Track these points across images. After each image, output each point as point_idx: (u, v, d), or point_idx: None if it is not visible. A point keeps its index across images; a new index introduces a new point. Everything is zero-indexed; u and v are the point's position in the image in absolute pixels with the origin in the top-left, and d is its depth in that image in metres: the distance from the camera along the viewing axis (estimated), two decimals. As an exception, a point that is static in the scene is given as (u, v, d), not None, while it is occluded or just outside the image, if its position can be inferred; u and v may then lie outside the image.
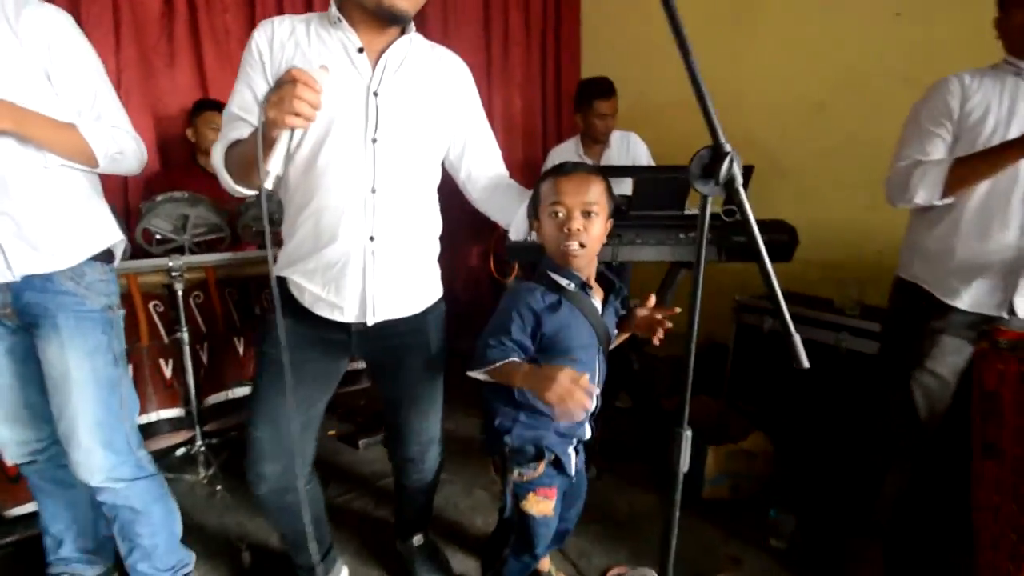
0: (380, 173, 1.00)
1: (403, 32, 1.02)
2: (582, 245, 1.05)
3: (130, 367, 1.51)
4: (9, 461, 1.24)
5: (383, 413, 1.31)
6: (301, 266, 1.05)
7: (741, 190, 0.68)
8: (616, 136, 2.42)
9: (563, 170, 1.09)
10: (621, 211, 1.72)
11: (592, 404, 1.02)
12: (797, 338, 0.73)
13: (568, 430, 1.14)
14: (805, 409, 2.09)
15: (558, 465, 1.14)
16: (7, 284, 1.04)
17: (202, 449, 1.71)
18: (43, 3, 1.02)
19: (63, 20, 1.03)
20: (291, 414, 1.02)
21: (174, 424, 1.61)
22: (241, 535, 1.54)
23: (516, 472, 1.13)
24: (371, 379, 1.33)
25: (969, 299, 1.21)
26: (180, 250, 1.64)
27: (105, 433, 1.13)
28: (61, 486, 1.25)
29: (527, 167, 3.33)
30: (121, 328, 1.20)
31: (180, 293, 1.58)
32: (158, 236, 1.65)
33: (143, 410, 1.52)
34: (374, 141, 0.99)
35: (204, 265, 1.67)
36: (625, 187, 2.04)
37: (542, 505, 1.13)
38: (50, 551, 1.30)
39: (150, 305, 1.63)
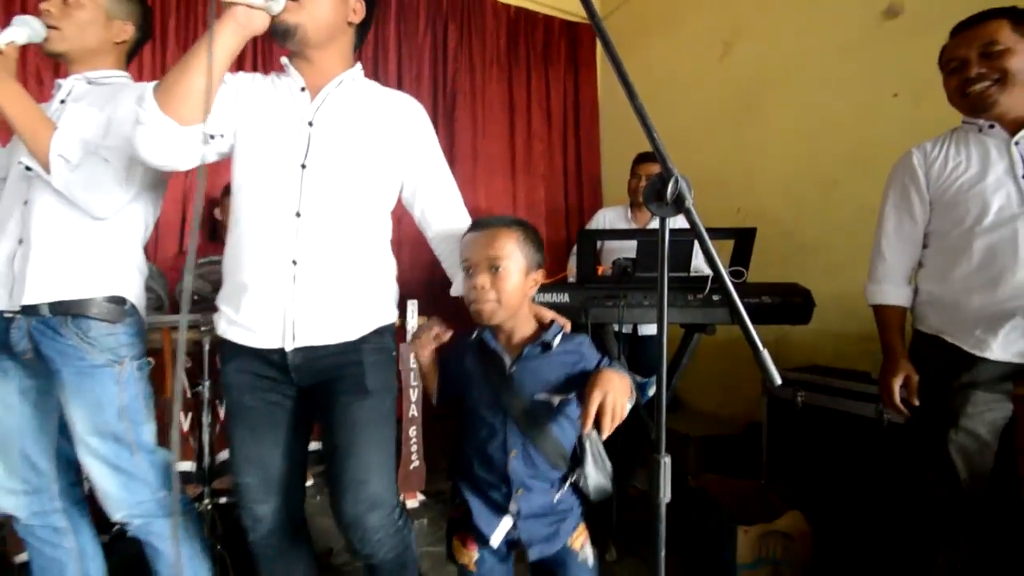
0: (307, 197, 1.03)
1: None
2: (494, 302, 0.99)
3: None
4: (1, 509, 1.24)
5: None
6: (224, 292, 1.08)
7: (692, 209, 0.73)
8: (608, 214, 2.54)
9: (475, 225, 1.07)
10: (627, 274, 1.77)
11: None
12: (765, 353, 0.71)
13: (490, 493, 1.02)
14: (847, 486, 1.89)
15: (469, 518, 1.02)
16: (28, 331, 1.11)
17: (208, 507, 1.69)
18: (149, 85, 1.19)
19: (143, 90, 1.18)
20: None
21: (185, 477, 1.61)
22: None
23: (450, 506, 1.11)
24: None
25: (999, 349, 1.15)
26: (212, 309, 1.76)
27: (120, 477, 1.16)
28: (46, 545, 1.25)
29: (551, 248, 3.47)
30: (134, 381, 1.19)
31: (207, 348, 1.68)
32: (196, 298, 1.79)
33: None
34: (303, 167, 1.03)
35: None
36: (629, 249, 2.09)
37: (460, 552, 1.05)
38: None
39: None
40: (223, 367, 1.12)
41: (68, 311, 1.10)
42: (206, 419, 1.67)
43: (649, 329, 2.44)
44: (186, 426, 1.65)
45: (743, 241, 1.73)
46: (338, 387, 1.08)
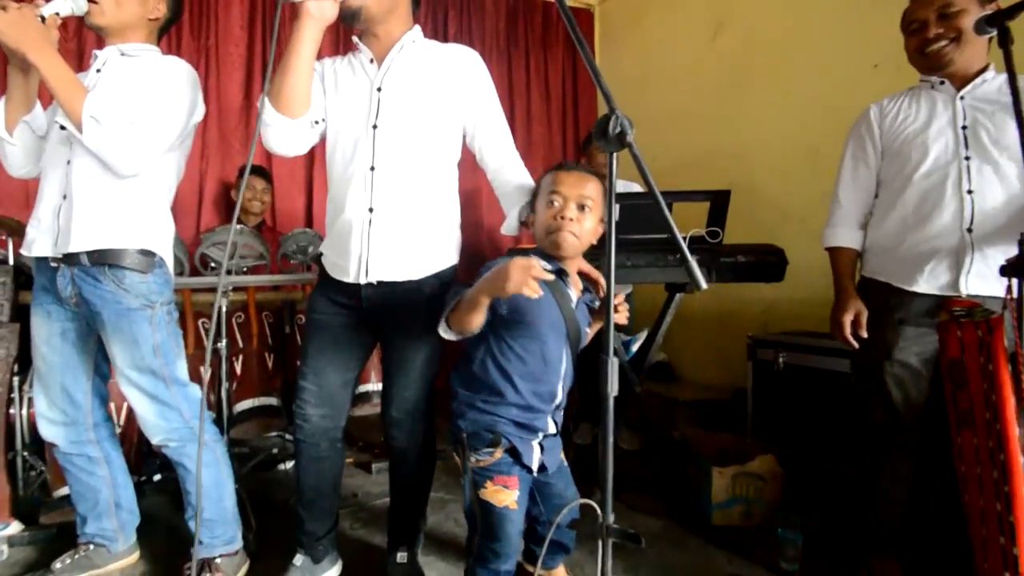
0: (379, 153, 1.19)
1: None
2: (574, 235, 1.11)
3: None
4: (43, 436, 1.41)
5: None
6: (327, 237, 1.29)
7: (633, 143, 0.85)
8: (620, 184, 2.64)
9: (565, 166, 1.18)
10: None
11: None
12: (692, 261, 0.83)
13: (528, 420, 1.12)
14: (821, 436, 2.00)
15: (516, 455, 1.10)
16: (72, 279, 1.26)
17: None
18: (176, 57, 1.33)
19: (171, 64, 1.31)
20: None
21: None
22: (251, 527, 1.62)
23: (473, 458, 1.11)
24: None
25: (924, 282, 1.26)
26: (228, 273, 1.92)
27: (155, 406, 1.32)
28: (82, 472, 1.41)
29: (550, 228, 3.58)
30: (165, 323, 1.34)
31: (224, 309, 1.84)
32: (212, 265, 1.95)
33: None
34: (375, 127, 1.20)
35: (246, 285, 1.94)
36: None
37: (501, 495, 1.07)
38: (78, 526, 1.45)
39: (199, 322, 1.89)
40: (313, 293, 1.34)
41: (105, 260, 1.25)
42: (224, 374, 1.83)
43: (623, 292, 2.56)
44: (206, 380, 1.81)
45: (718, 202, 1.84)
46: (399, 317, 1.26)
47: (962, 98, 1.29)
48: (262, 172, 2.67)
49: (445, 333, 1.11)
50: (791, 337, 2.28)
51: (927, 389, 1.27)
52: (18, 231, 1.40)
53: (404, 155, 1.22)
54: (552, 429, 1.18)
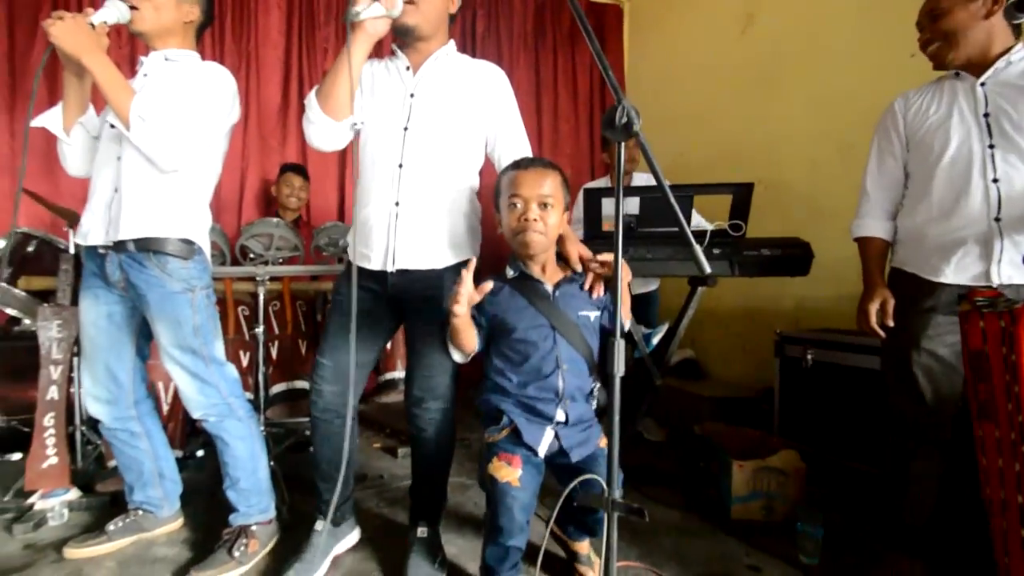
0: (408, 153, 1.29)
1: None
2: (540, 233, 1.17)
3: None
4: (90, 413, 1.53)
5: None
6: (354, 228, 1.37)
7: (640, 132, 0.88)
8: (642, 177, 2.64)
9: (520, 164, 1.23)
10: (630, 228, 1.90)
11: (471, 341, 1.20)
12: (698, 248, 0.86)
13: (539, 407, 1.21)
14: (850, 433, 1.96)
15: (518, 435, 1.19)
16: (120, 264, 1.38)
17: (263, 433, 1.96)
18: (215, 63, 1.44)
19: (211, 69, 1.42)
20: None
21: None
22: (284, 500, 1.72)
23: (486, 434, 1.24)
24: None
25: (952, 273, 1.25)
26: (265, 264, 2.03)
27: (195, 383, 1.43)
28: (126, 445, 1.53)
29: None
30: (204, 306, 1.44)
31: (262, 297, 1.95)
32: (252, 256, 2.06)
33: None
34: (405, 129, 1.29)
35: (282, 275, 2.05)
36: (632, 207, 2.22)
37: (503, 471, 1.15)
38: (126, 494, 1.57)
39: (239, 309, 2.01)
40: (339, 278, 1.43)
41: (149, 247, 1.36)
42: (261, 358, 1.94)
43: (647, 287, 2.57)
44: (245, 363, 1.93)
45: (741, 195, 1.83)
46: (422, 305, 1.33)
47: (983, 84, 1.27)
48: (300, 170, 2.79)
49: (457, 356, 1.28)
50: (820, 334, 2.24)
51: (960, 387, 1.23)
52: (78, 221, 1.53)
53: (431, 156, 1.31)
54: (562, 417, 1.22)
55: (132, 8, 1.35)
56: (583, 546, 1.42)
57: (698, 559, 1.50)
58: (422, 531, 1.44)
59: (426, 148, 1.30)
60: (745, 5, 3.13)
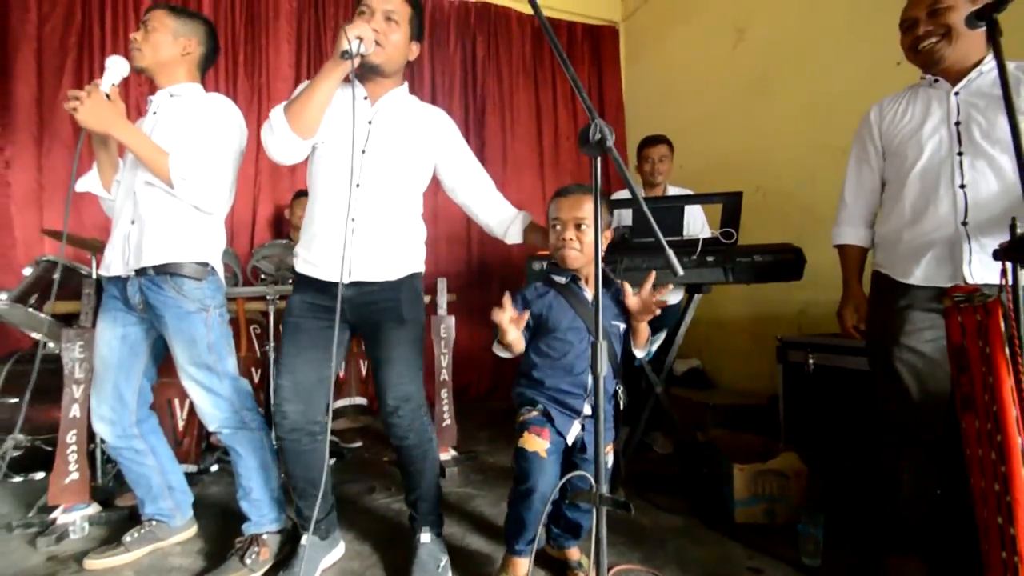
0: (365, 173, 1.35)
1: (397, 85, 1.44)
2: (576, 250, 1.34)
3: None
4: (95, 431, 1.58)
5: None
6: (303, 239, 1.41)
7: (613, 148, 0.93)
8: (673, 189, 2.69)
9: (561, 192, 1.40)
10: (625, 240, 1.96)
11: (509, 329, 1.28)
12: (670, 252, 0.91)
13: (569, 401, 1.35)
14: (851, 435, 1.97)
15: (549, 417, 1.34)
16: (139, 285, 1.46)
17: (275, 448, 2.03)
18: (218, 95, 1.54)
19: (217, 102, 1.52)
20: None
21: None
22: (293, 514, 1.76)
23: (519, 415, 1.38)
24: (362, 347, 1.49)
25: (921, 274, 1.29)
26: (275, 283, 2.12)
27: (210, 397, 1.50)
28: (133, 463, 1.59)
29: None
30: (218, 324, 1.52)
31: (272, 316, 2.03)
32: (263, 276, 2.15)
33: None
34: (363, 152, 1.36)
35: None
36: (626, 218, 2.27)
37: (532, 441, 1.31)
38: (139, 507, 1.65)
39: (251, 327, 2.09)
40: (292, 296, 1.43)
41: (167, 271, 1.45)
42: (273, 373, 2.01)
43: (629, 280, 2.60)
44: (256, 379, 2.01)
45: (731, 204, 1.88)
46: (381, 316, 1.39)
47: (956, 94, 1.31)
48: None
49: (501, 352, 1.37)
50: (821, 338, 2.26)
51: (948, 382, 1.25)
52: (101, 249, 1.62)
53: (385, 176, 1.39)
54: (588, 411, 1.35)
55: (134, 50, 1.47)
56: (573, 552, 1.47)
57: (700, 562, 1.52)
58: (424, 537, 1.48)
59: (383, 170, 1.38)
60: (736, 20, 3.22)
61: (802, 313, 2.81)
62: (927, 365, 1.27)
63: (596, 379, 0.96)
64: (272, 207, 3.17)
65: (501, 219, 1.56)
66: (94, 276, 1.89)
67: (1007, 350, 0.99)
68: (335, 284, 1.34)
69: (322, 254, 1.37)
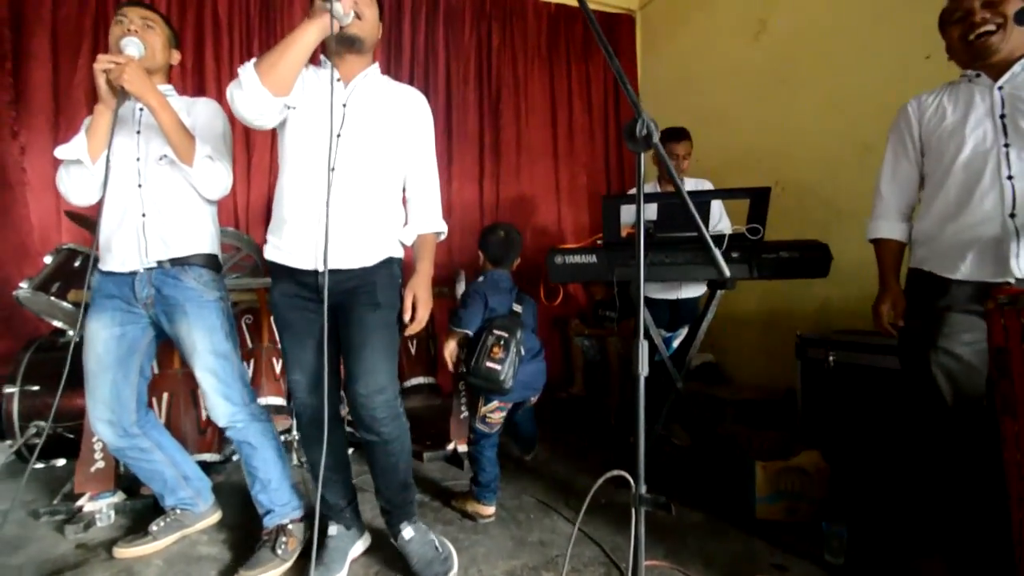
0: (340, 157, 1.31)
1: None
2: None
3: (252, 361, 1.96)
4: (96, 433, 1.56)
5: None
6: (272, 223, 1.37)
7: (659, 144, 0.91)
8: (691, 181, 2.66)
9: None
10: (649, 234, 1.94)
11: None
12: (717, 252, 0.90)
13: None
14: (873, 433, 1.96)
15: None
16: (150, 279, 1.46)
17: (296, 438, 2.04)
18: (208, 99, 1.58)
19: (208, 102, 1.57)
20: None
21: (277, 409, 1.97)
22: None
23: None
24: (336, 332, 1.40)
25: (966, 269, 1.26)
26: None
27: (224, 389, 1.50)
28: (141, 461, 1.59)
29: (594, 230, 3.65)
30: (230, 314, 1.56)
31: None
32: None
33: (258, 394, 1.91)
34: (338, 135, 1.32)
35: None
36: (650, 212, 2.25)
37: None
38: (160, 501, 1.67)
39: (271, 318, 2.08)
40: (271, 291, 1.41)
41: (186, 262, 1.48)
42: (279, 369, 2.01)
43: (686, 293, 2.58)
44: (277, 369, 2.01)
45: (758, 200, 1.86)
46: (356, 300, 1.35)
47: (1000, 88, 1.28)
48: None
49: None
50: (841, 335, 2.24)
51: (983, 388, 1.23)
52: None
53: (360, 160, 1.35)
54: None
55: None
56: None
57: (724, 558, 1.52)
58: (407, 532, 1.44)
59: (358, 154, 1.34)
60: (758, 10, 3.16)
61: (821, 309, 2.79)
62: (962, 368, 1.26)
63: (636, 379, 0.96)
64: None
65: (411, 219, 1.48)
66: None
67: (1053, 355, 0.98)
68: (310, 273, 1.33)
69: (293, 240, 1.33)
